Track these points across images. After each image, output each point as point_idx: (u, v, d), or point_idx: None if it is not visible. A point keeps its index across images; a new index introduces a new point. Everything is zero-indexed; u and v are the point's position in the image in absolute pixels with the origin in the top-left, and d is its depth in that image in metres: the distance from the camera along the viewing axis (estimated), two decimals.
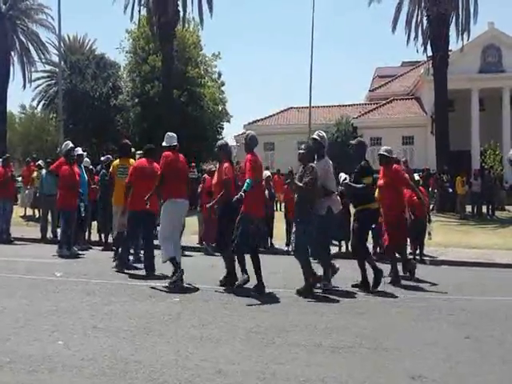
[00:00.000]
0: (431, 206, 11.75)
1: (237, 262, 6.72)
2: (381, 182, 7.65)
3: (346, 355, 4.34)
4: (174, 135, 7.39)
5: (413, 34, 23.98)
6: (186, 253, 9.68)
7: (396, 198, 7.54)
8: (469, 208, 20.22)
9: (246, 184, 6.40)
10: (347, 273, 7.36)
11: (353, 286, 7.19)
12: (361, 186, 7.10)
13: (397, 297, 6.81)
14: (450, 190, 20.53)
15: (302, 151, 6.89)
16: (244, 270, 6.66)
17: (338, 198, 7.22)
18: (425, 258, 10.22)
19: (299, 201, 6.71)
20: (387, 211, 7.64)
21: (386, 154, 7.64)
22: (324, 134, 7.29)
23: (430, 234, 10.06)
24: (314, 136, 7.22)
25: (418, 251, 10.31)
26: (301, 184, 6.60)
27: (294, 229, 7.18)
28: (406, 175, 8.20)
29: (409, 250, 10.78)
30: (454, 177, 20.65)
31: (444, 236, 12.78)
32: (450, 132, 23.47)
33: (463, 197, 20.25)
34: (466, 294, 7.31)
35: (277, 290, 6.76)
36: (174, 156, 7.17)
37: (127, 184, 7.66)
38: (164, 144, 7.26)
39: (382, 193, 7.67)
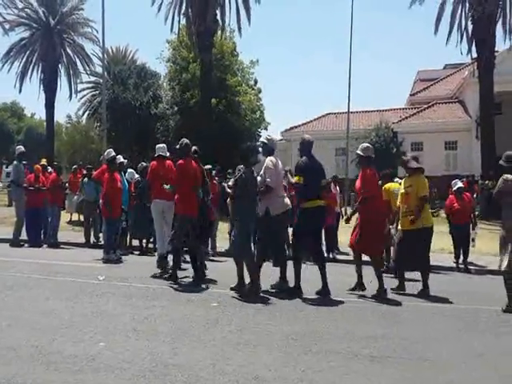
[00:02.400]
0: (476, 213, 11.34)
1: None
2: (356, 184, 7.41)
3: (385, 365, 4.27)
4: (162, 146, 9.01)
5: (456, 35, 23.53)
6: (222, 258, 9.82)
7: (372, 204, 7.06)
8: None
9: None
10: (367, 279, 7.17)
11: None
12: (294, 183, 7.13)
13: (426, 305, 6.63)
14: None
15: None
16: (176, 268, 7.50)
17: (286, 199, 7.05)
18: (470, 267, 9.90)
19: (233, 202, 7.14)
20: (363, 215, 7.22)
21: (360, 153, 7.24)
22: (273, 137, 7.50)
23: (473, 240, 9.77)
24: (263, 140, 7.40)
25: (461, 259, 10.05)
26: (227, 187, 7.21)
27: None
28: (375, 181, 7.31)
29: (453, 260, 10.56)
30: None
31: (488, 244, 12.37)
32: (496, 136, 22.78)
33: None
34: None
35: (310, 297, 6.73)
36: (158, 163, 8.57)
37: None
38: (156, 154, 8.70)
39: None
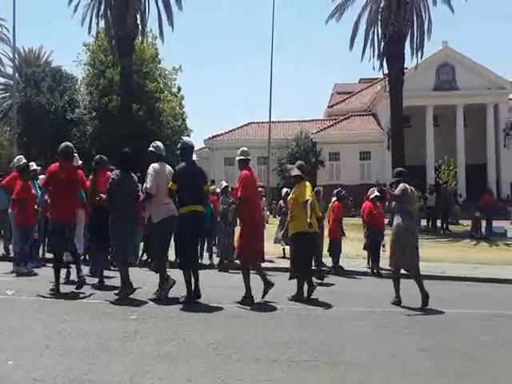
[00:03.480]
0: (386, 221, 12.04)
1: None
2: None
3: (303, 369, 4.37)
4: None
5: (369, 52, 24.71)
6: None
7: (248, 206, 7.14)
8: (424, 222, 20.77)
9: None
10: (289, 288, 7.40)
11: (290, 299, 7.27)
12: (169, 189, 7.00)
13: (332, 309, 6.90)
14: None
15: None
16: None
17: (170, 206, 7.03)
18: (381, 272, 10.41)
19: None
20: None
21: (241, 157, 7.37)
22: (158, 144, 7.40)
23: (383, 246, 10.31)
24: (150, 148, 7.36)
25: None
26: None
27: None
28: (250, 183, 7.29)
29: (366, 264, 11.09)
30: None
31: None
32: (405, 147, 24.17)
33: (417, 211, 20.78)
34: (421, 307, 7.47)
35: (230, 305, 6.76)
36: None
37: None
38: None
39: None
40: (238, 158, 7.39)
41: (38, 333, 5.14)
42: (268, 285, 7.09)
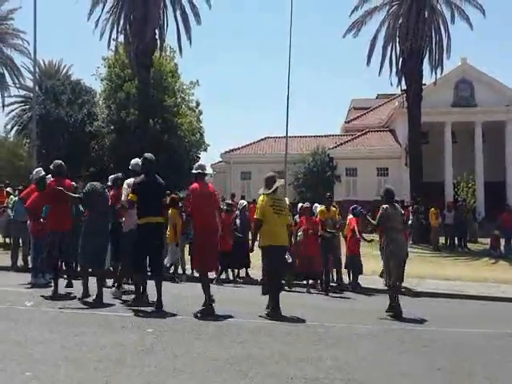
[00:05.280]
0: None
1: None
2: None
3: None
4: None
5: (387, 68, 24.67)
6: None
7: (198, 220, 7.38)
8: (442, 240, 20.50)
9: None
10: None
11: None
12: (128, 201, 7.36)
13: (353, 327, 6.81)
14: (423, 222, 20.85)
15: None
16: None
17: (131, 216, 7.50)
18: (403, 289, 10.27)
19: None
20: None
21: (199, 171, 7.53)
22: (137, 161, 7.72)
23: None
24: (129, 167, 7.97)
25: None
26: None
27: None
28: (196, 197, 7.42)
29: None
30: (427, 209, 21.00)
31: (417, 267, 12.91)
32: (423, 164, 23.97)
33: (436, 228, 20.56)
34: (438, 325, 7.35)
35: (252, 321, 6.70)
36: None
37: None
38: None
39: None
40: (194, 171, 7.61)
41: (56, 344, 5.15)
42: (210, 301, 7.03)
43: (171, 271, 10.70)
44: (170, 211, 9.98)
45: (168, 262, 10.47)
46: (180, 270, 11.13)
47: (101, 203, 7.73)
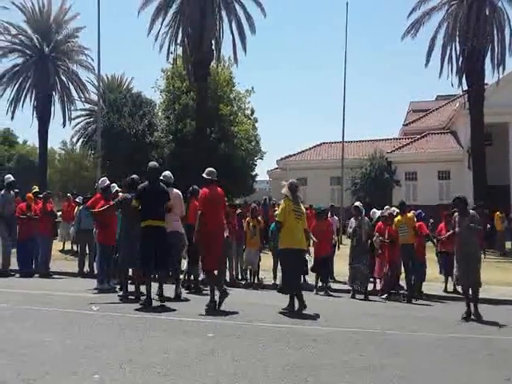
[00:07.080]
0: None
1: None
2: None
3: None
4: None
5: (447, 68, 23.99)
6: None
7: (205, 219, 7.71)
8: (508, 244, 19.62)
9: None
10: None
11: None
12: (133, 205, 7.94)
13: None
14: (489, 226, 20.03)
15: None
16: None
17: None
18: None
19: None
20: None
21: (204, 176, 7.97)
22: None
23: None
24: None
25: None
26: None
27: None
28: (205, 199, 7.80)
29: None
30: (492, 212, 20.17)
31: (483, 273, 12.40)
32: (487, 166, 23.06)
33: (502, 233, 19.70)
34: (508, 334, 7.04)
35: (308, 327, 6.67)
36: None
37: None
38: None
39: None
40: (204, 176, 7.97)
41: (121, 348, 5.33)
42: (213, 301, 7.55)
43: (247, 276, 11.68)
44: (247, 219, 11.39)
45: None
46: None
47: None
